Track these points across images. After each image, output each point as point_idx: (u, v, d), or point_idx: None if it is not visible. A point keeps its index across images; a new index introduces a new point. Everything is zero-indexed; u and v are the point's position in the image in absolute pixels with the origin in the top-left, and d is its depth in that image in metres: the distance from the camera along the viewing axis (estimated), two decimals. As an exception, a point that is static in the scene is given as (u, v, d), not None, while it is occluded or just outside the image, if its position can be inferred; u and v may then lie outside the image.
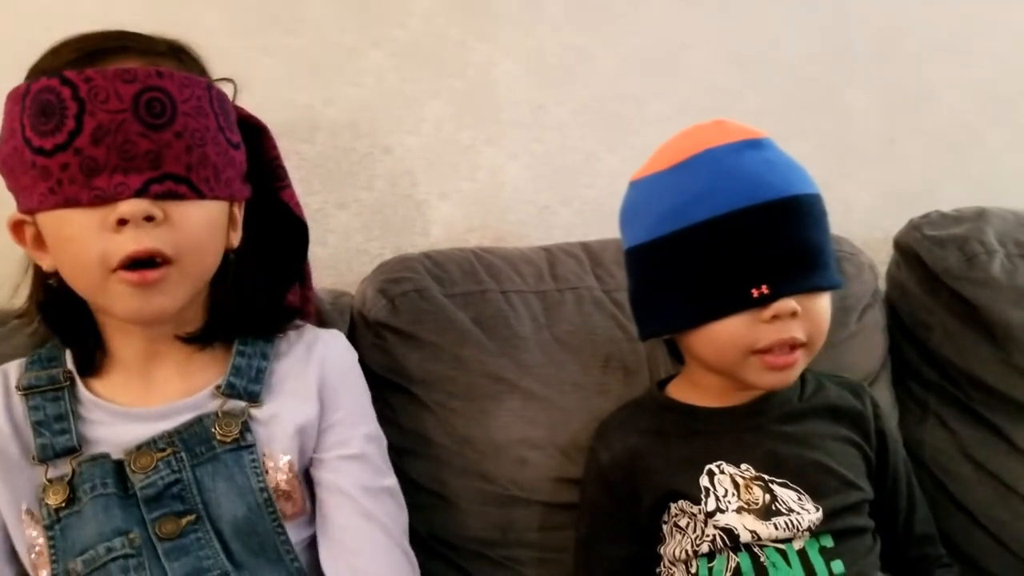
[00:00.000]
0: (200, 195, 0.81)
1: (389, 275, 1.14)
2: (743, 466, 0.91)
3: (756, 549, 0.87)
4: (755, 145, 0.92)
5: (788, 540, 0.88)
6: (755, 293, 0.87)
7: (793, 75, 1.37)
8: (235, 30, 1.25)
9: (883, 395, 1.14)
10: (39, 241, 0.84)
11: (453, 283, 1.14)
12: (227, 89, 0.89)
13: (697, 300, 0.89)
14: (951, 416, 1.14)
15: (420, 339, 1.10)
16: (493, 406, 1.07)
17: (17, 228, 0.85)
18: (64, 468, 0.83)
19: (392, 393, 1.10)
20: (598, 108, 1.36)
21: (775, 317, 0.87)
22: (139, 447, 0.84)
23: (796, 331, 0.88)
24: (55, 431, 0.84)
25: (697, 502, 0.90)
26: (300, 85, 1.29)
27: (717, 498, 0.89)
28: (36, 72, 0.83)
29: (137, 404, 0.87)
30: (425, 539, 1.05)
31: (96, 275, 0.79)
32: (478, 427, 1.07)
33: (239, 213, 0.90)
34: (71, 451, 0.84)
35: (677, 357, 1.02)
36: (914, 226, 1.21)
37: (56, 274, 0.84)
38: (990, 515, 1.08)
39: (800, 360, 0.90)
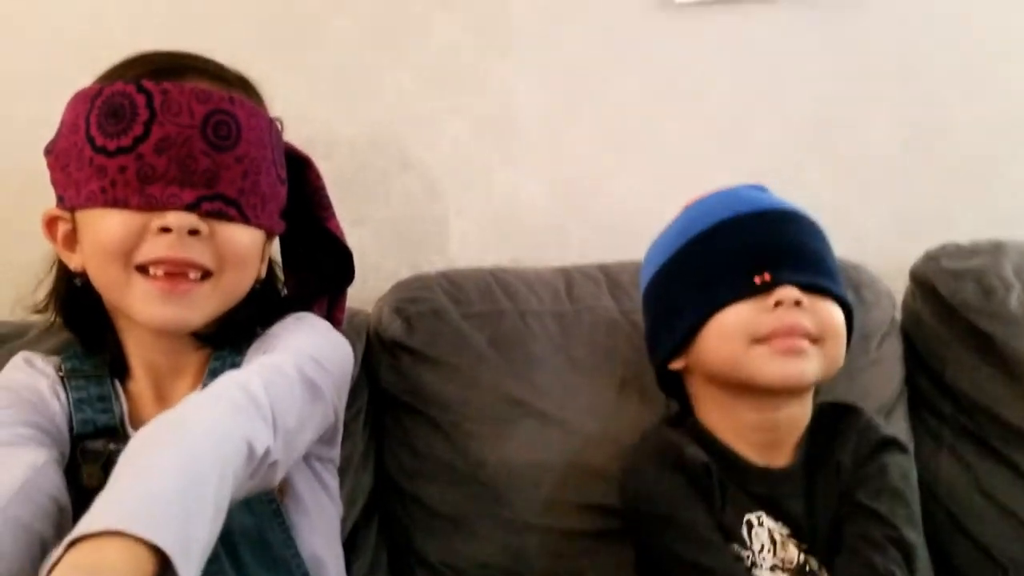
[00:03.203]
0: (246, 220, 0.84)
1: (405, 294, 1.14)
2: (780, 523, 0.91)
3: None
4: (755, 186, 1.01)
5: None
6: (757, 280, 0.90)
7: (810, 102, 1.37)
8: (257, 46, 1.24)
9: (899, 425, 1.13)
10: (70, 240, 0.87)
11: (470, 303, 1.14)
12: None
13: (703, 295, 0.93)
14: (966, 449, 1.13)
15: (436, 360, 1.09)
16: (509, 429, 1.07)
17: (51, 224, 0.88)
18: (98, 447, 0.84)
19: (406, 415, 1.10)
20: (616, 129, 1.36)
21: (778, 304, 0.89)
22: None
23: (802, 318, 0.89)
24: (97, 409, 0.86)
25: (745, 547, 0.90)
26: (320, 101, 1.29)
27: (753, 552, 0.89)
28: (110, 77, 0.85)
29: (150, 412, 0.87)
30: (436, 565, 1.04)
31: (120, 268, 0.81)
32: (493, 450, 1.07)
33: (269, 248, 0.93)
34: (111, 431, 0.85)
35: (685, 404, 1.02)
36: (931, 257, 1.20)
37: (82, 274, 0.86)
38: (1005, 550, 1.07)
39: (811, 355, 0.90)
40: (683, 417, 1.01)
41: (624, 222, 1.36)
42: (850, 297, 0.98)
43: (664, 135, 1.36)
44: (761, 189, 1.00)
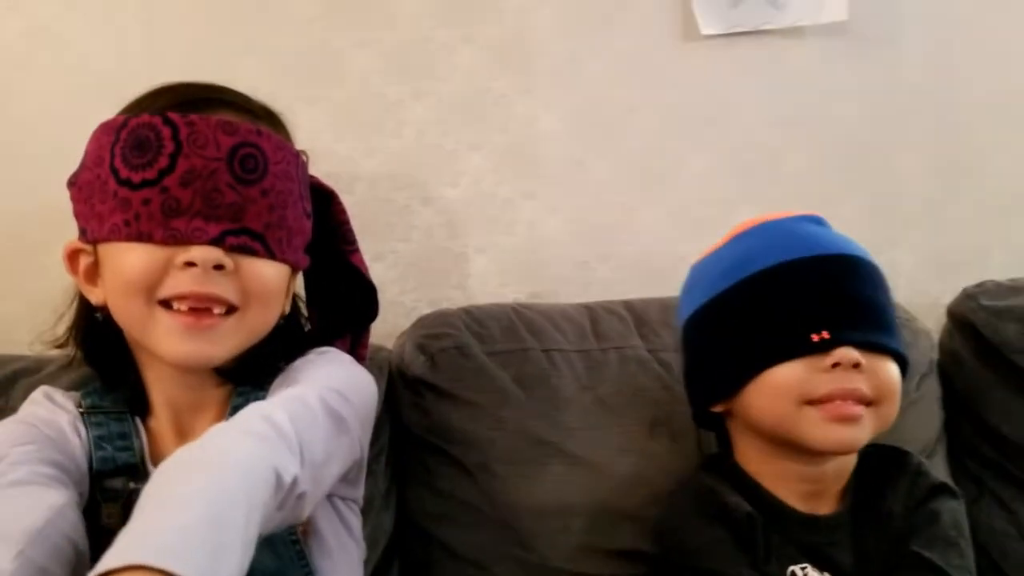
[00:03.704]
0: (272, 255, 0.82)
1: (428, 330, 1.12)
2: (827, 574, 0.87)
3: None
4: (814, 219, 0.94)
5: None
6: (815, 338, 0.84)
7: (840, 135, 1.35)
8: (278, 79, 1.24)
9: (939, 469, 1.09)
10: (91, 273, 0.85)
11: (493, 340, 1.11)
12: None
13: (754, 347, 0.87)
14: (1009, 495, 1.09)
15: (460, 398, 1.06)
16: (535, 470, 1.04)
17: (72, 257, 0.86)
18: (117, 485, 0.82)
19: (429, 454, 1.07)
20: (638, 164, 1.34)
21: (836, 365, 0.83)
22: None
23: (860, 383, 0.84)
24: (118, 447, 0.84)
25: None
26: (341, 135, 1.28)
27: None
28: (136, 109, 0.84)
29: (171, 448, 0.83)
30: (458, 610, 1.01)
31: (143, 303, 0.79)
32: (519, 492, 1.03)
33: (294, 282, 0.91)
34: (131, 469, 0.83)
35: (724, 445, 0.98)
36: (969, 295, 1.17)
37: (104, 309, 0.84)
38: (1051, 601, 1.03)
39: (866, 420, 0.85)
40: (721, 459, 0.97)
41: (648, 259, 1.34)
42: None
43: (689, 170, 1.34)
44: (818, 222, 0.94)
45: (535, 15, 1.31)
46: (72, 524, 0.72)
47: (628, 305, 1.19)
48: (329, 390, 0.81)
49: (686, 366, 0.98)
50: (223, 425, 0.71)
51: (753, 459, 0.93)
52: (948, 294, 1.24)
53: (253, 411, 0.72)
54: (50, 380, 1.02)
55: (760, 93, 1.34)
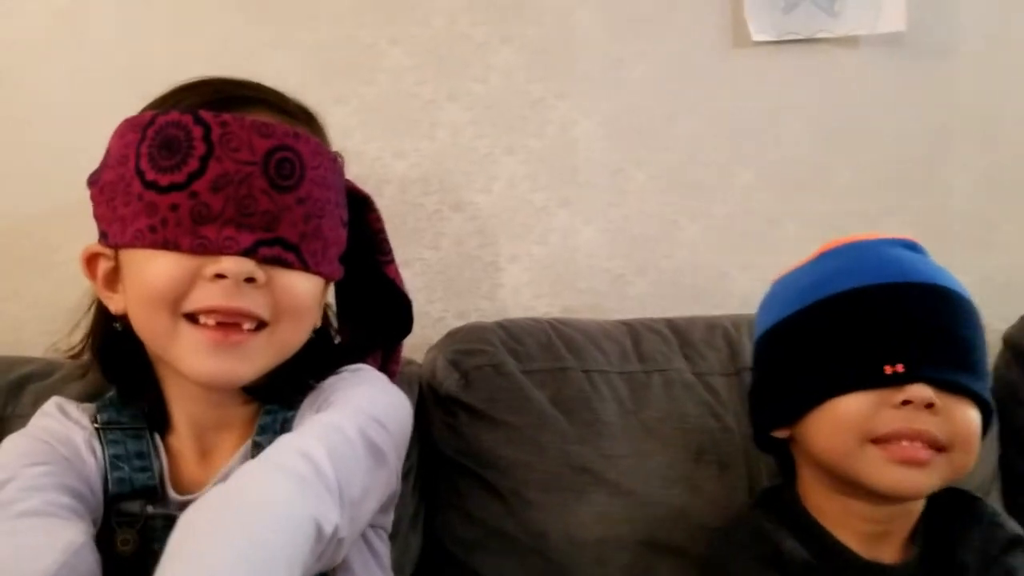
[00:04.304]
0: (306, 267, 0.77)
1: (462, 346, 1.06)
2: None
3: None
4: (908, 244, 0.88)
5: None
6: (888, 370, 0.78)
7: (888, 150, 1.29)
8: (308, 77, 1.19)
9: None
10: (111, 279, 0.79)
11: (530, 358, 1.05)
12: None
13: (822, 373, 0.81)
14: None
15: (495, 419, 1.01)
16: (573, 499, 0.98)
17: (91, 261, 0.80)
18: (134, 509, 0.77)
19: (461, 477, 1.01)
20: (680, 174, 1.28)
21: (907, 403, 0.77)
22: None
23: (931, 425, 0.78)
24: (135, 467, 0.79)
25: None
26: (372, 136, 1.23)
27: None
28: (164, 105, 0.77)
29: (192, 469, 0.81)
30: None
31: (167, 316, 0.74)
32: (556, 521, 0.98)
33: (326, 294, 0.85)
34: (149, 492, 0.77)
35: (786, 472, 0.93)
36: (1029, 322, 1.11)
37: (123, 318, 0.78)
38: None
39: (934, 466, 0.78)
40: (779, 492, 0.91)
41: (689, 275, 1.29)
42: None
43: (733, 181, 1.29)
44: (912, 248, 0.88)
45: (577, 15, 1.25)
46: (89, 568, 0.67)
47: (671, 324, 1.13)
48: (367, 418, 0.76)
49: (753, 384, 0.93)
50: (258, 463, 0.66)
51: (814, 493, 0.87)
52: (1003, 320, 1.18)
53: (290, 447, 0.67)
54: (61, 385, 0.99)
55: (810, 103, 1.28)
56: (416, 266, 1.25)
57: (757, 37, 1.25)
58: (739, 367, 1.07)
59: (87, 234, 0.81)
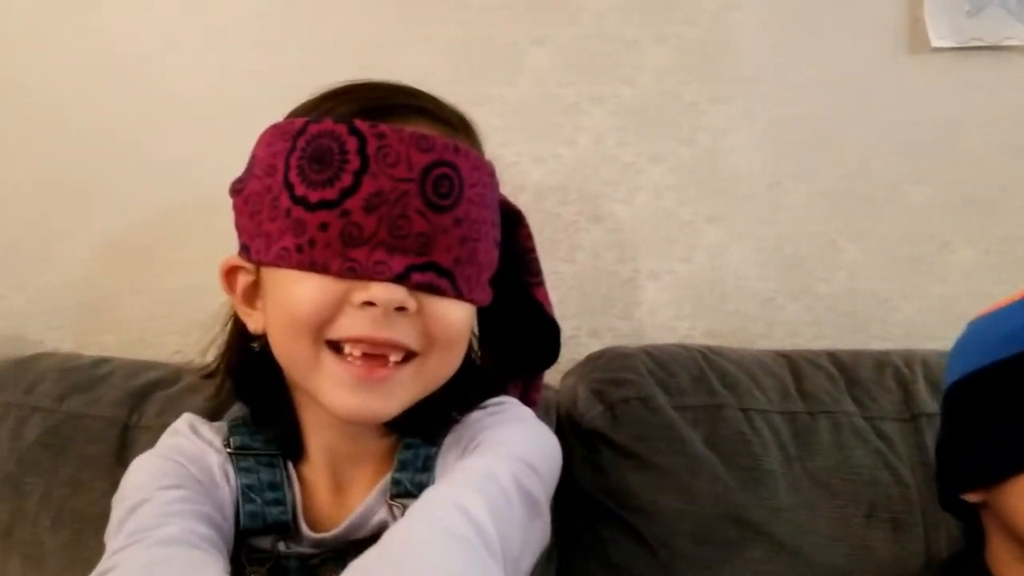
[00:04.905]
0: (459, 294, 0.70)
1: (607, 375, 0.98)
2: None
3: None
4: None
5: None
6: None
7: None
8: (445, 74, 1.13)
9: None
10: (250, 295, 0.74)
11: (682, 392, 0.96)
12: None
13: None
14: None
15: (644, 460, 0.92)
16: (729, 554, 0.89)
17: (230, 274, 0.75)
18: (265, 545, 0.72)
19: (604, 521, 0.93)
20: (844, 190, 1.16)
21: None
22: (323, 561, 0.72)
23: None
24: (268, 500, 0.74)
25: None
26: (509, 139, 1.15)
27: None
28: (314, 111, 0.71)
29: (326, 503, 0.76)
30: None
31: (309, 343, 0.68)
32: (708, 577, 0.89)
33: (473, 320, 0.78)
34: (281, 527, 0.73)
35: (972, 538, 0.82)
36: None
37: (262, 337, 0.74)
38: None
39: None
40: (964, 559, 0.81)
41: (845, 300, 1.18)
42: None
43: (902, 199, 1.17)
44: None
45: (736, 15, 1.15)
46: None
47: (834, 358, 1.02)
48: (521, 464, 0.69)
49: (941, 437, 0.82)
50: (420, 522, 0.60)
51: (1006, 567, 0.77)
52: None
53: (449, 502, 0.61)
54: (189, 394, 0.95)
55: (995, 117, 1.15)
56: (549, 280, 1.12)
57: (937, 43, 1.13)
58: (914, 412, 0.96)
59: (217, 233, 0.77)
